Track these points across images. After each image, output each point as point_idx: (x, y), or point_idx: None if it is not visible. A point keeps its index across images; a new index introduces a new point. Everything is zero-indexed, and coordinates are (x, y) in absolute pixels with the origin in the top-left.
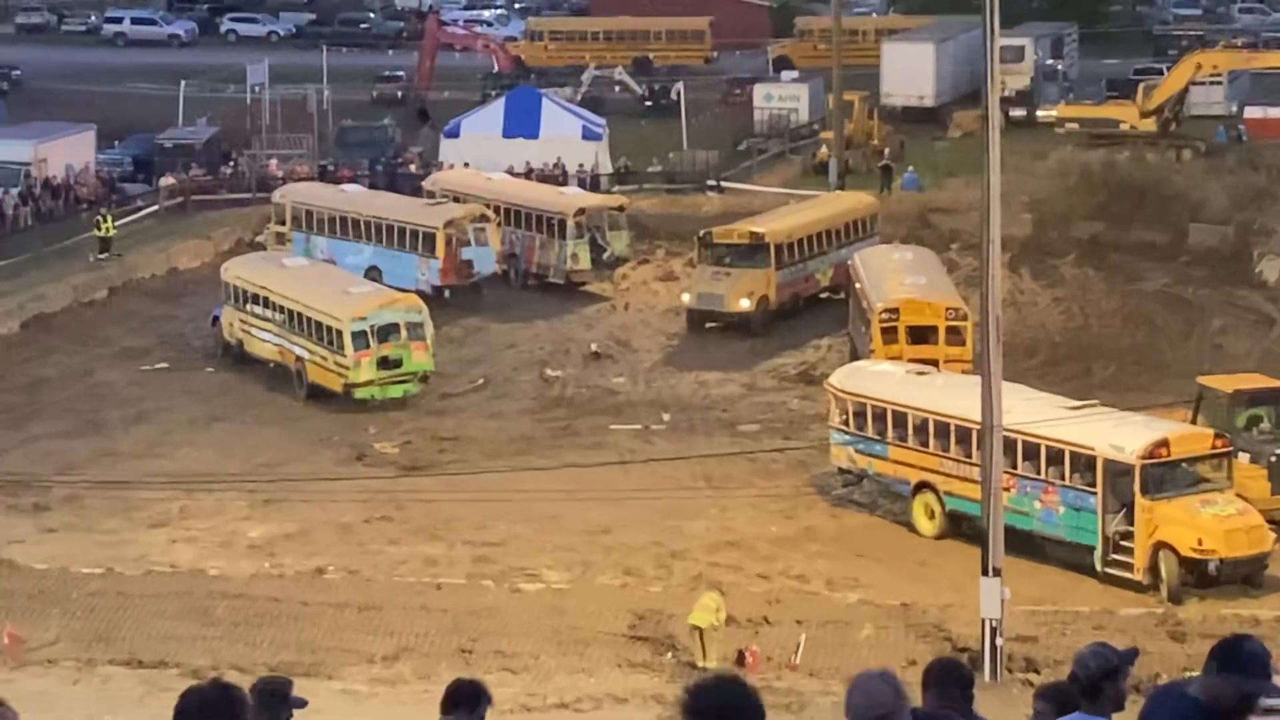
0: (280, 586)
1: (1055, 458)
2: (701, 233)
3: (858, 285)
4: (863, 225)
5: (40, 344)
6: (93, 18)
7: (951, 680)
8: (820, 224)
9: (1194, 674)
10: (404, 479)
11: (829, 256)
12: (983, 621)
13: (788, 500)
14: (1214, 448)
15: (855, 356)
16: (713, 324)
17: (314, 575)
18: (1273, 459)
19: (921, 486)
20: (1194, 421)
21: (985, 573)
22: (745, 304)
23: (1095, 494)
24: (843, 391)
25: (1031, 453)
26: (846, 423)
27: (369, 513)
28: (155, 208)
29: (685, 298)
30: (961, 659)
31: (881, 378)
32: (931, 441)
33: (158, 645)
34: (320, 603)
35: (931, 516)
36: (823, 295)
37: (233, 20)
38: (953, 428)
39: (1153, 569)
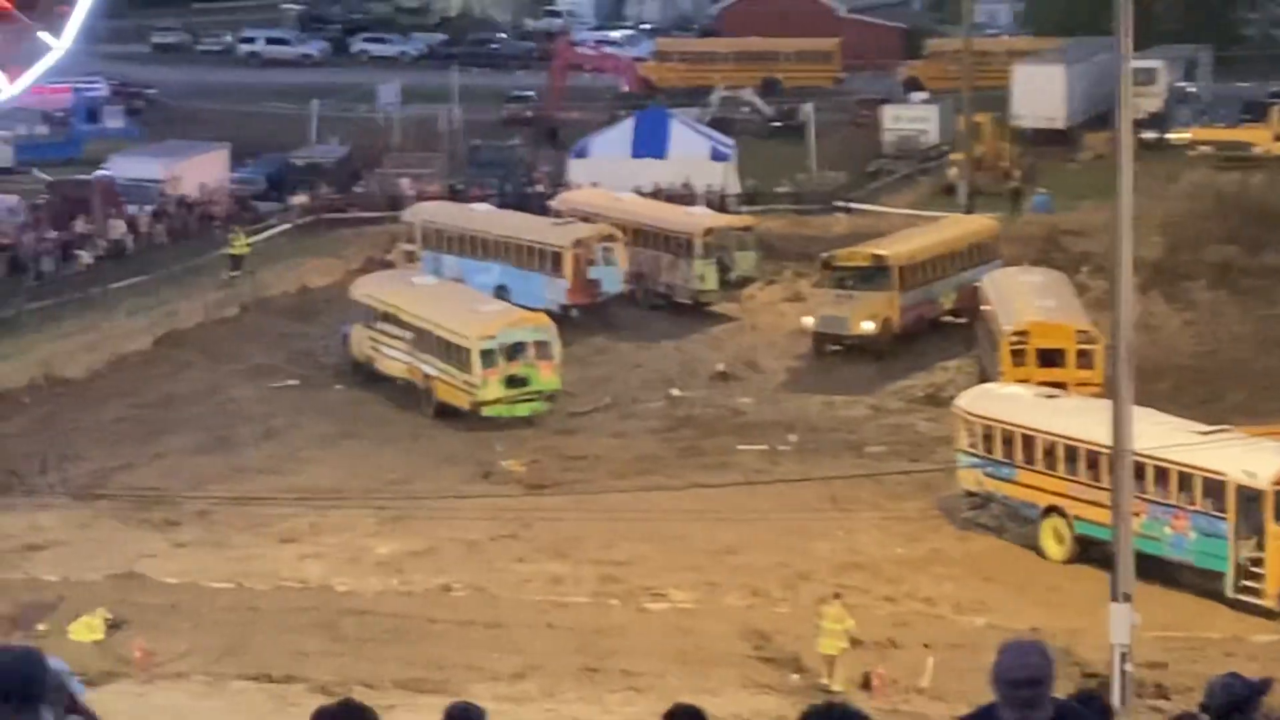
0: (407, 603)
1: (1186, 483)
2: (824, 256)
3: (987, 307)
4: (985, 249)
5: (172, 360)
6: (227, 37)
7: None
8: (943, 247)
9: None
10: (530, 497)
11: (952, 280)
12: (1112, 647)
13: (914, 522)
14: None
15: (984, 379)
16: (835, 347)
17: (441, 592)
18: None
19: (1050, 510)
20: None
21: (1115, 598)
22: (868, 326)
23: (1226, 519)
24: (971, 414)
25: (1162, 477)
26: (975, 446)
27: (495, 530)
28: (287, 226)
29: (808, 321)
30: (1099, 692)
31: (1010, 401)
32: (1060, 465)
33: (286, 660)
34: (447, 620)
35: (1060, 540)
36: (945, 319)
37: (365, 40)
38: (1082, 451)
39: None
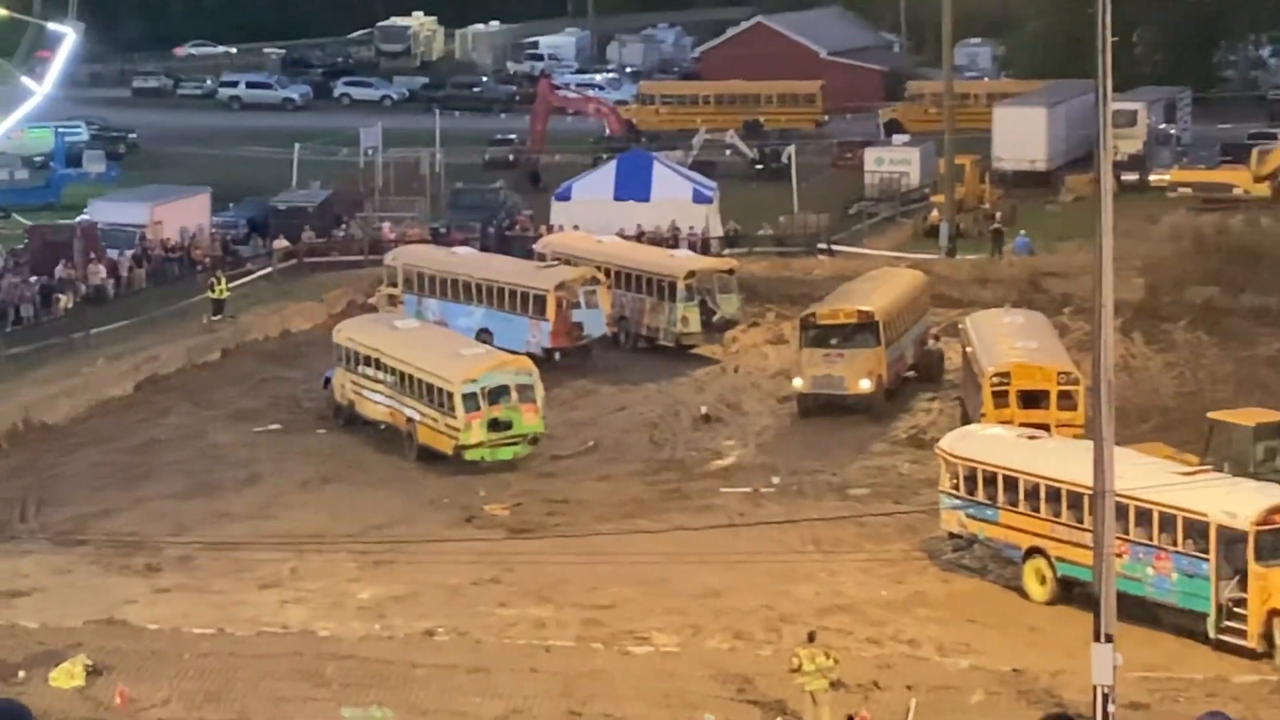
0: (390, 648)
1: (1168, 523)
2: (804, 314)
3: (968, 349)
4: (923, 302)
5: (154, 405)
6: (208, 82)
7: None
8: (904, 300)
9: None
10: (513, 541)
11: (911, 333)
12: (1095, 688)
13: (898, 564)
14: None
15: (966, 420)
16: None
17: (423, 637)
18: None
19: (1033, 552)
20: (1204, 456)
21: (1097, 639)
22: (866, 385)
23: (1208, 560)
24: (953, 456)
25: (1144, 518)
26: (957, 487)
27: (478, 575)
28: (269, 270)
29: (797, 383)
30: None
31: (992, 442)
32: (1043, 506)
33: (268, 706)
34: (430, 664)
35: (1043, 582)
36: (908, 375)
37: (346, 84)
38: (1064, 492)
39: (1266, 636)
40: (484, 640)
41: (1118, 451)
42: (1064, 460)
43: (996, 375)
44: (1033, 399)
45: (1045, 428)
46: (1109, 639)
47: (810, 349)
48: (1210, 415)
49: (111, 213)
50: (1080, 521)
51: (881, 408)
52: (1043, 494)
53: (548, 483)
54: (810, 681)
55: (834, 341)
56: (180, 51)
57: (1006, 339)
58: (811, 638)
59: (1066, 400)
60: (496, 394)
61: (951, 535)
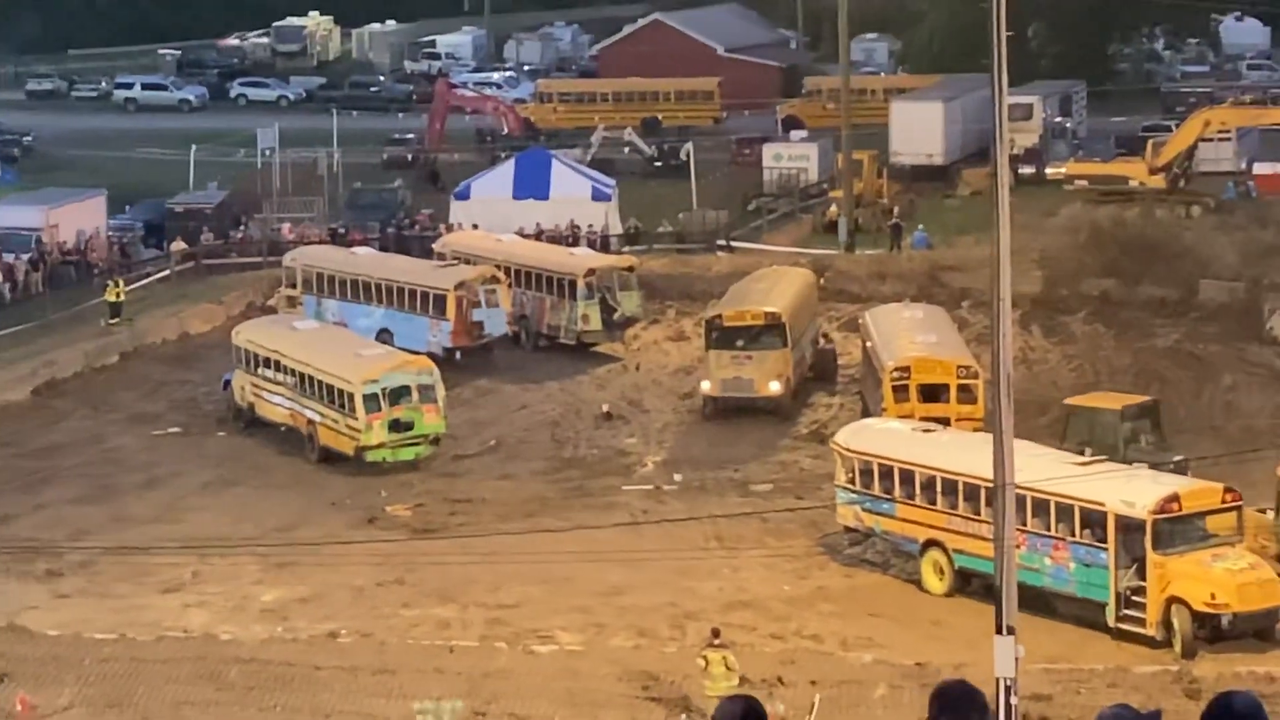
0: (293, 650)
1: (1065, 514)
2: (710, 316)
3: (868, 344)
4: (813, 303)
5: (52, 410)
6: (103, 84)
7: (970, 705)
8: (801, 299)
9: None
10: (416, 541)
11: (809, 333)
12: (997, 680)
13: (800, 560)
14: (1224, 502)
15: (866, 414)
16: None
17: (327, 639)
18: (1169, 467)
19: (930, 544)
20: (1063, 442)
21: (999, 631)
22: (776, 387)
23: (1106, 550)
24: (849, 450)
25: (1041, 509)
26: (853, 481)
27: (382, 576)
28: (166, 273)
29: (705, 386)
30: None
31: (887, 436)
32: (940, 499)
33: (170, 711)
34: (333, 666)
35: (941, 574)
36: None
37: (243, 85)
38: (961, 485)
39: (1165, 624)
40: (388, 641)
41: (1015, 443)
42: (959, 453)
43: (896, 370)
44: (933, 393)
45: (945, 421)
46: (1011, 631)
47: (717, 351)
48: (1067, 401)
49: (7, 216)
50: (977, 513)
51: (790, 409)
52: (939, 487)
53: (450, 483)
54: (715, 685)
55: (741, 343)
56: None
57: (906, 333)
58: (715, 634)
59: (966, 394)
60: (397, 394)
61: (847, 529)
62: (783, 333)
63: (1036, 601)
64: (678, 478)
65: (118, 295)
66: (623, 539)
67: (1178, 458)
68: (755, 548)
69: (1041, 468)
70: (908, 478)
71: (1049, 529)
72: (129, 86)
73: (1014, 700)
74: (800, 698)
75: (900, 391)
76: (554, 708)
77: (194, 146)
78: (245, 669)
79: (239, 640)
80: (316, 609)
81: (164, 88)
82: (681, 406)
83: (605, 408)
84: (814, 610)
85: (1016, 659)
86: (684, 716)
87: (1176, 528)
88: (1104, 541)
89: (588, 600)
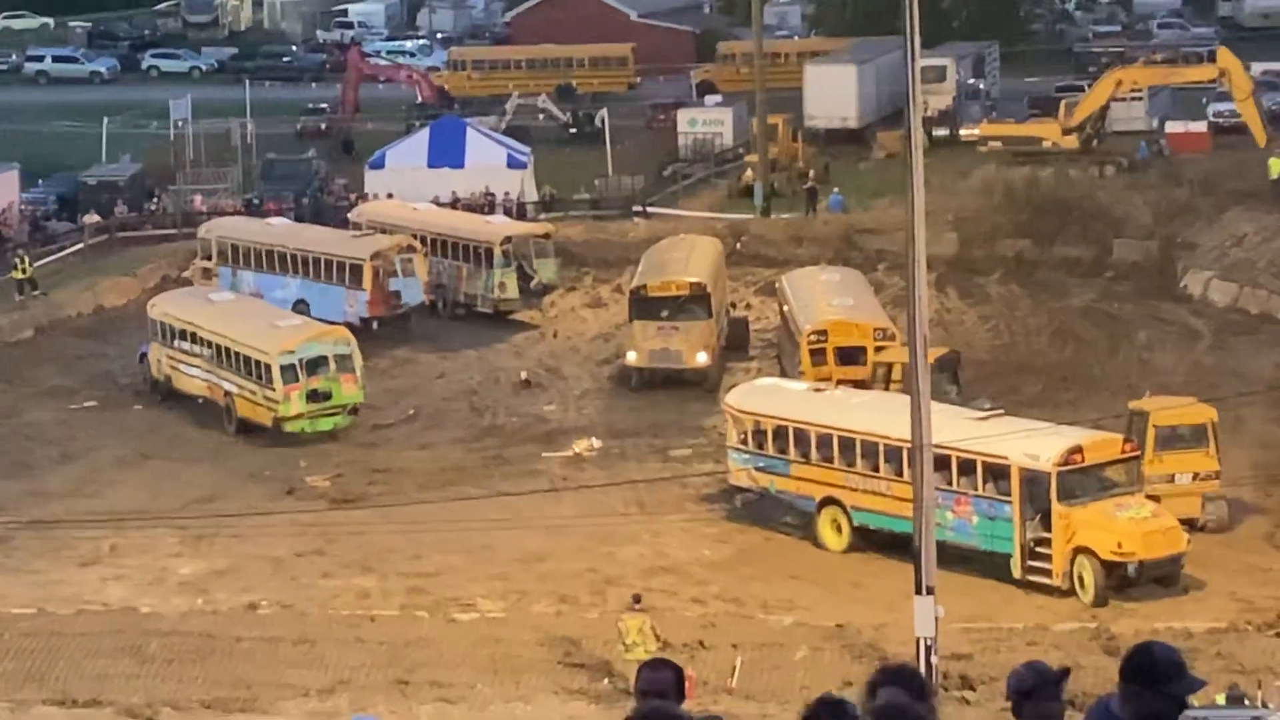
0: (213, 622)
1: (968, 468)
2: (634, 286)
3: (785, 307)
4: (724, 269)
5: None
6: (14, 56)
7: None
8: (718, 268)
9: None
10: (336, 512)
11: (725, 302)
12: (917, 640)
13: (719, 524)
14: (1124, 452)
15: (785, 378)
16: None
17: (247, 610)
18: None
19: (827, 502)
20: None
21: (919, 591)
22: (703, 358)
23: (1010, 503)
24: (741, 411)
25: (943, 464)
26: (745, 441)
27: (301, 547)
28: (80, 246)
29: (631, 357)
30: (917, 668)
31: (780, 395)
32: (836, 457)
33: (91, 684)
34: (254, 638)
35: (839, 531)
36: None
37: (155, 56)
38: (858, 443)
39: (1070, 574)
40: (308, 612)
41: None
42: (853, 412)
43: (814, 333)
44: (850, 355)
45: (863, 384)
46: (930, 591)
47: (642, 322)
48: (874, 359)
49: None
50: (875, 470)
51: (717, 381)
52: (836, 445)
53: (369, 452)
54: (633, 652)
55: (665, 314)
56: None
57: (823, 297)
58: (636, 600)
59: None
60: (315, 365)
61: (740, 490)
62: (707, 303)
63: (939, 556)
64: (596, 443)
65: (23, 271)
66: (543, 506)
67: (988, 406)
68: (675, 513)
69: (941, 423)
70: (802, 437)
71: (951, 484)
72: (40, 59)
73: (934, 660)
74: (722, 661)
75: (818, 355)
76: (476, 675)
77: (106, 119)
78: (165, 642)
79: (159, 613)
80: (236, 581)
81: (75, 60)
82: (600, 373)
83: (523, 375)
84: (734, 574)
85: (936, 619)
86: (606, 681)
87: (1080, 479)
88: (1008, 495)
89: (508, 568)
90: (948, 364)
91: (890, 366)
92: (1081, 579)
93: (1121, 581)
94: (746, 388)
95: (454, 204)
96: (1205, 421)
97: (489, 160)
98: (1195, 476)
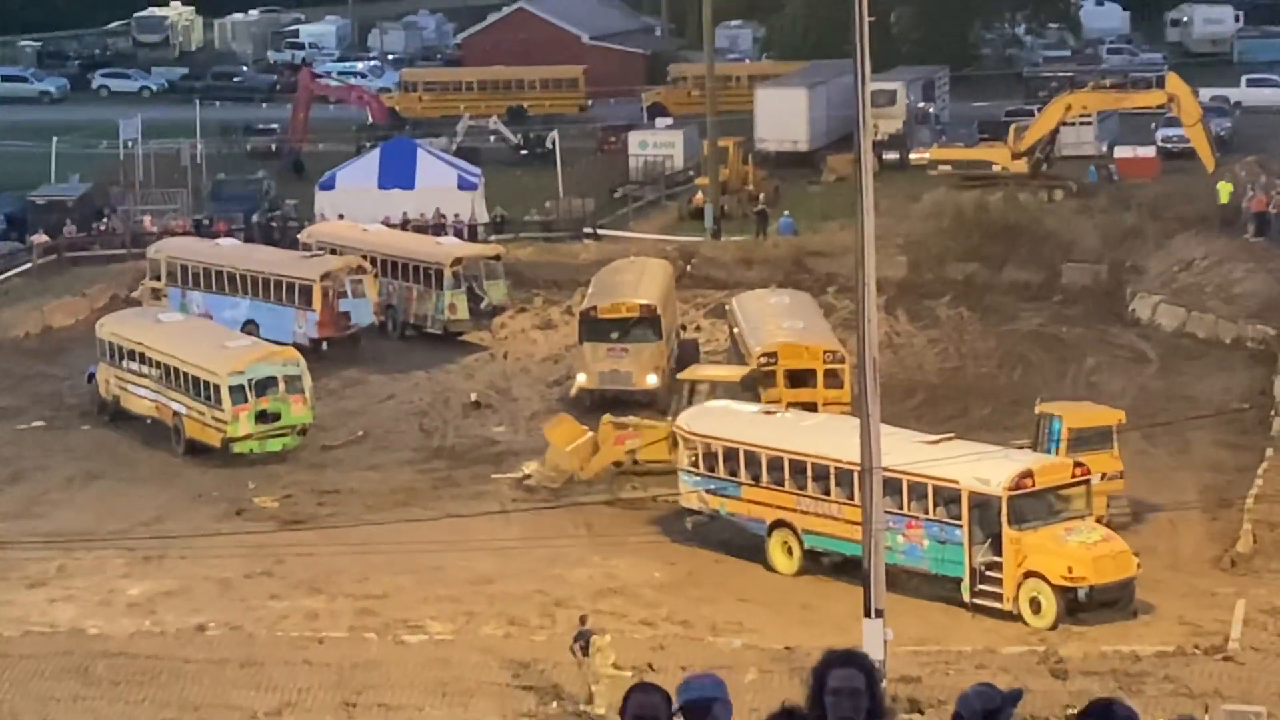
0: (161, 644)
1: (919, 492)
2: (584, 308)
3: (735, 329)
4: (674, 291)
5: None
6: None
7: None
8: (668, 291)
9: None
10: (284, 533)
11: (675, 326)
12: None
13: (670, 546)
14: (1074, 476)
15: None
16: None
17: (195, 632)
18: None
19: (777, 524)
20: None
21: (868, 614)
22: (653, 380)
23: (960, 527)
24: (692, 433)
25: (893, 488)
26: (696, 464)
27: (249, 568)
28: (28, 266)
29: (581, 379)
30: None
31: (730, 418)
32: (787, 480)
33: (37, 706)
34: (202, 660)
35: (790, 553)
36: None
37: (104, 76)
38: (809, 466)
39: (1019, 598)
40: (256, 633)
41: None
42: (804, 435)
43: (764, 355)
44: (800, 378)
45: (813, 406)
46: (879, 614)
47: (592, 344)
48: (679, 376)
49: None
50: (826, 493)
51: (667, 402)
52: (786, 467)
53: (318, 474)
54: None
55: (615, 335)
56: None
57: (773, 319)
58: (584, 621)
59: (833, 379)
60: (264, 385)
61: (690, 512)
62: (656, 325)
63: (889, 580)
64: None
65: None
66: (492, 528)
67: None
68: (625, 535)
69: (891, 446)
70: (753, 460)
71: (902, 507)
72: None
73: (883, 682)
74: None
75: (767, 377)
76: (424, 697)
77: (55, 138)
78: (113, 663)
79: (106, 634)
80: (184, 602)
81: (24, 79)
82: (549, 394)
83: (473, 397)
84: (684, 596)
85: (885, 641)
86: (555, 704)
87: (1030, 503)
88: (958, 519)
89: (457, 589)
90: (751, 383)
91: (693, 384)
92: (1039, 604)
93: (1072, 606)
94: (698, 410)
95: (404, 225)
96: (1112, 424)
97: (440, 181)
98: (1103, 476)
